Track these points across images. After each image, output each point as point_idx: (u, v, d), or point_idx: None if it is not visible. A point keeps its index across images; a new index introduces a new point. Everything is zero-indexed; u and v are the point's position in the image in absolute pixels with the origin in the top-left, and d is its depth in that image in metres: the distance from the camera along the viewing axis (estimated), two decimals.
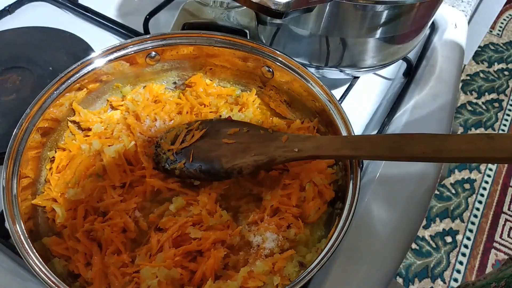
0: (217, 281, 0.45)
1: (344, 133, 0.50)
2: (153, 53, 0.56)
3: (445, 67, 0.74)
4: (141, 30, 0.70)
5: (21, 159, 0.47)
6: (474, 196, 1.73)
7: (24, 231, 0.43)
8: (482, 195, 1.74)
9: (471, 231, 1.63)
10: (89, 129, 0.56)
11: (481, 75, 2.18)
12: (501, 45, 2.32)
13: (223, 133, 0.53)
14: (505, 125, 2.00)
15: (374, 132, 0.64)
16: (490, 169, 1.82)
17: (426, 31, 0.71)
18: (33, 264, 0.40)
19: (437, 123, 0.67)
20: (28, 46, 0.66)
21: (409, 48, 0.65)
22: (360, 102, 0.68)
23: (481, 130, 1.95)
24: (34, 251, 0.41)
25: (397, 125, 0.65)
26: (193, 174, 0.52)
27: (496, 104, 2.07)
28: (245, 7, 0.64)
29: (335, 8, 0.52)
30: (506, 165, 1.83)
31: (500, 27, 2.41)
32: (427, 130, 0.44)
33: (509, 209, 1.71)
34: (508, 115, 2.03)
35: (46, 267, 0.41)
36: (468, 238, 1.61)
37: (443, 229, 1.63)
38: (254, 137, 0.52)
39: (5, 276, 0.48)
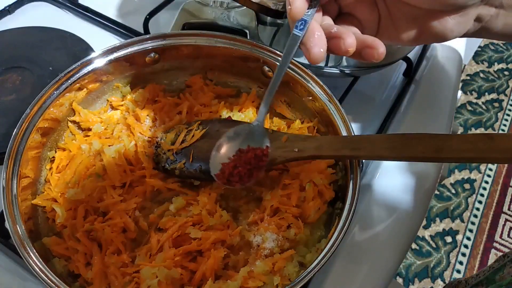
0: (217, 281, 0.45)
1: (344, 133, 0.50)
2: (153, 53, 0.56)
3: (445, 67, 0.75)
4: (141, 30, 0.70)
5: (21, 159, 0.47)
6: (474, 196, 1.73)
7: (24, 231, 0.43)
8: (482, 195, 1.74)
9: (471, 231, 1.63)
10: (89, 129, 0.56)
11: (481, 75, 2.18)
12: (501, 45, 2.32)
13: (223, 133, 0.53)
14: (505, 125, 2.00)
15: (374, 132, 0.64)
16: (490, 169, 1.82)
17: None
18: (33, 264, 0.40)
19: (437, 123, 0.67)
20: (28, 46, 0.66)
21: (409, 48, 0.65)
22: (360, 102, 0.68)
23: (481, 130, 1.95)
24: (34, 251, 0.41)
25: (397, 125, 0.65)
26: (193, 174, 0.52)
27: (496, 104, 2.07)
28: (245, 7, 0.64)
29: None
30: (506, 165, 1.83)
31: None
32: (427, 130, 0.44)
33: (509, 209, 1.71)
34: (508, 115, 2.03)
35: (46, 267, 0.41)
36: (468, 238, 1.61)
37: (443, 229, 1.63)
38: None
39: (5, 276, 0.48)
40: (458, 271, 1.53)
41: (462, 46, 0.79)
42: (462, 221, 1.66)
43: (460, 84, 2.08)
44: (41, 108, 0.49)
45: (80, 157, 0.53)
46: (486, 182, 1.78)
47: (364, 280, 0.51)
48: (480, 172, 1.80)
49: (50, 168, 0.52)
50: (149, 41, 0.55)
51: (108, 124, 0.56)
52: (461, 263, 1.55)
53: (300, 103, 0.58)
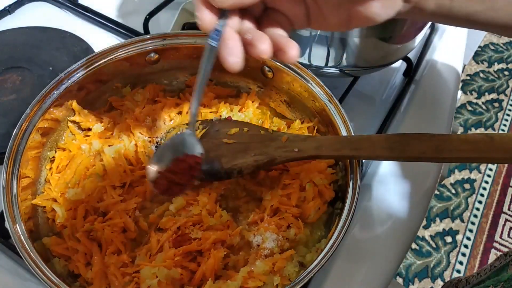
0: (217, 281, 0.45)
1: (344, 133, 0.50)
2: (153, 53, 0.56)
3: (445, 67, 0.75)
4: (141, 30, 0.70)
5: (21, 159, 0.47)
6: (474, 196, 1.73)
7: (24, 231, 0.43)
8: (482, 195, 1.74)
9: (471, 231, 1.63)
10: (89, 129, 0.56)
11: (481, 75, 2.18)
12: (501, 45, 2.32)
13: (223, 133, 0.53)
14: (505, 125, 2.00)
15: (374, 132, 0.64)
16: (490, 169, 1.82)
17: (426, 31, 0.71)
18: (33, 264, 0.40)
19: (437, 123, 0.67)
20: (28, 46, 0.66)
21: (409, 48, 0.65)
22: (360, 102, 0.68)
23: (481, 130, 1.95)
24: (34, 251, 0.41)
25: (397, 125, 0.65)
26: None
27: (496, 104, 2.07)
28: None
29: None
30: (506, 165, 1.83)
31: None
32: (427, 130, 0.44)
33: (509, 209, 1.71)
34: (508, 115, 2.03)
35: (46, 267, 0.41)
36: (468, 238, 1.61)
37: (443, 229, 1.63)
38: (254, 137, 0.52)
39: (5, 276, 0.48)
40: (458, 271, 1.53)
41: (462, 46, 0.79)
42: (462, 221, 1.65)
43: (460, 84, 2.08)
44: (41, 108, 0.49)
45: (80, 157, 0.53)
46: (486, 182, 1.78)
47: (364, 280, 0.51)
48: (480, 172, 1.80)
49: (50, 168, 0.52)
50: (149, 41, 0.55)
51: (108, 124, 0.56)
52: (461, 263, 1.55)
53: (300, 103, 0.58)
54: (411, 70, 0.71)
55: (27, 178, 0.49)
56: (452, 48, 0.77)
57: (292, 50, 0.35)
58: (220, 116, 0.58)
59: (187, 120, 0.58)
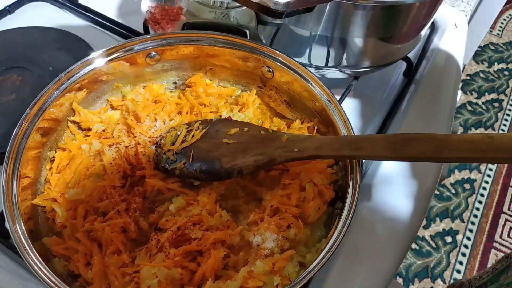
0: (217, 281, 0.45)
1: (344, 133, 0.50)
2: (153, 53, 0.56)
3: (445, 67, 0.75)
4: (141, 30, 0.70)
5: (21, 159, 0.47)
6: (474, 196, 1.73)
7: (24, 231, 0.43)
8: (482, 195, 1.74)
9: (471, 231, 1.63)
10: (89, 129, 0.56)
11: (481, 75, 2.18)
12: (501, 45, 2.32)
13: (223, 133, 0.53)
14: (505, 125, 2.00)
15: (374, 132, 0.64)
16: (490, 169, 1.82)
17: (426, 31, 0.71)
18: (33, 264, 0.40)
19: (437, 123, 0.67)
20: (28, 46, 0.66)
21: (409, 48, 0.65)
22: (360, 102, 0.68)
23: (481, 130, 1.95)
24: (34, 251, 0.41)
25: (397, 125, 0.65)
26: (193, 174, 0.52)
27: (496, 104, 2.07)
28: (245, 7, 0.64)
29: (335, 8, 0.53)
30: (506, 165, 1.83)
31: (500, 27, 2.41)
32: (427, 130, 0.44)
33: (509, 209, 1.71)
34: (508, 115, 2.03)
35: (46, 267, 0.41)
36: (468, 238, 1.61)
37: (443, 229, 1.63)
38: (254, 137, 0.52)
39: (5, 276, 0.48)
40: (458, 271, 1.53)
41: (462, 46, 0.79)
42: (462, 221, 1.65)
43: (460, 84, 2.08)
44: (41, 108, 0.49)
45: (80, 157, 0.53)
46: (486, 182, 1.78)
47: (364, 280, 0.51)
48: (480, 172, 1.80)
49: (50, 168, 0.52)
50: (149, 41, 0.56)
51: (108, 124, 0.56)
52: (461, 263, 1.55)
53: (300, 103, 0.58)
54: (411, 70, 0.71)
55: (27, 178, 0.49)
56: (452, 48, 0.77)
57: None
58: (220, 116, 0.58)
59: (187, 120, 0.58)
